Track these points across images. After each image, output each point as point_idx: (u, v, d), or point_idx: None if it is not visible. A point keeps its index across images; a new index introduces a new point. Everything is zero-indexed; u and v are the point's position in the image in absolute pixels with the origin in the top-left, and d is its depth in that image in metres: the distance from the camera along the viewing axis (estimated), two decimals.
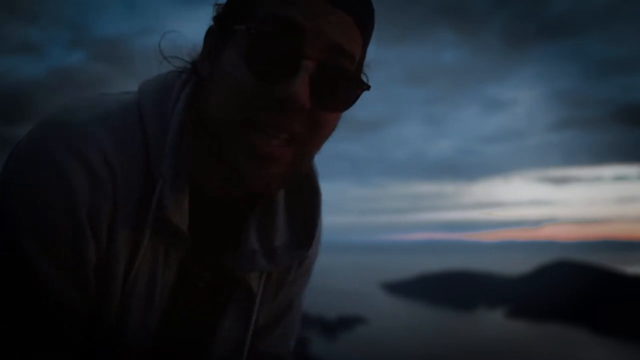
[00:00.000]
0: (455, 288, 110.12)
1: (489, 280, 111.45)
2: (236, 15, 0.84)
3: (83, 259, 0.82)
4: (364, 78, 0.90)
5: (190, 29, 1.03)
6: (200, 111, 0.86)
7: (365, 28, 0.86)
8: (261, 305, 1.03)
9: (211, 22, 0.90)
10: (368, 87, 0.87)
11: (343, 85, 0.83)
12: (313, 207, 1.01)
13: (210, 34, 0.90)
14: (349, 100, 0.85)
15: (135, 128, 0.87)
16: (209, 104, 0.84)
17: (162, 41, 0.93)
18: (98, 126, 0.84)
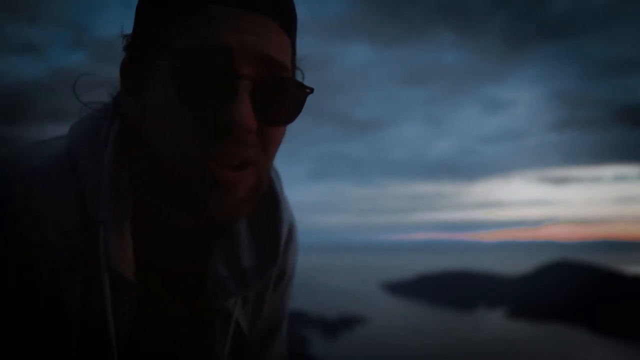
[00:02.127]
0: (455, 288, 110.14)
1: (489, 280, 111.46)
2: (153, 47, 0.79)
3: (19, 332, 0.78)
4: (298, 77, 0.86)
5: None
6: (138, 150, 0.82)
7: (290, 29, 0.82)
8: (242, 325, 0.99)
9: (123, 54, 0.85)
10: (311, 90, 0.83)
11: (285, 95, 0.80)
12: (275, 217, 0.97)
13: (126, 68, 0.85)
14: (295, 108, 0.82)
15: (68, 177, 0.83)
16: (147, 144, 0.80)
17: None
18: (29, 180, 0.80)
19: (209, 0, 0.76)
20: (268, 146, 0.81)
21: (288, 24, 0.81)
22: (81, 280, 0.80)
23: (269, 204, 0.97)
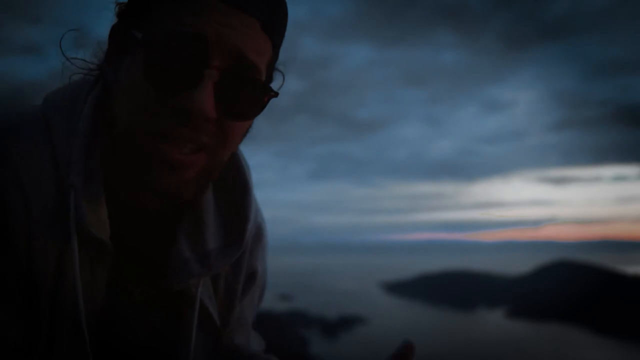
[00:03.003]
0: (455, 288, 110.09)
1: (489, 280, 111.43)
2: (135, 17, 0.81)
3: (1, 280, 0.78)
4: (277, 78, 0.88)
5: None
6: (107, 116, 0.83)
7: (274, 32, 0.83)
8: (209, 310, 0.98)
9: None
10: (276, 94, 0.85)
11: (249, 93, 0.81)
12: (243, 202, 0.98)
13: (114, 34, 0.86)
14: (256, 108, 0.83)
15: (41, 139, 0.82)
16: (113, 111, 0.82)
17: (64, 40, 0.89)
18: (1, 141, 0.80)
19: None
20: (226, 138, 0.82)
21: (272, 26, 0.82)
22: (54, 245, 0.80)
23: (237, 189, 0.99)
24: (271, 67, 0.87)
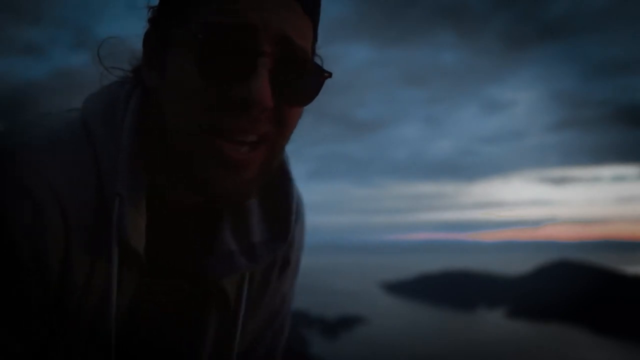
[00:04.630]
0: (455, 288, 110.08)
1: (489, 280, 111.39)
2: (175, 17, 0.80)
3: (25, 299, 0.78)
4: (318, 62, 0.87)
5: None
6: (154, 123, 0.82)
7: (314, 13, 0.83)
8: (247, 310, 0.98)
9: (147, 25, 0.86)
10: (330, 74, 0.84)
11: (304, 77, 0.80)
12: (286, 193, 0.97)
13: (148, 39, 0.86)
14: (313, 91, 0.82)
15: (82, 148, 0.82)
16: (163, 115, 0.80)
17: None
18: (40, 151, 0.78)
19: None
20: (284, 125, 0.81)
21: (312, 8, 0.82)
22: (90, 253, 0.80)
23: (281, 181, 0.98)
24: (313, 51, 0.86)
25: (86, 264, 0.81)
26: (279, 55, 0.77)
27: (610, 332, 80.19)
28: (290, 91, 0.79)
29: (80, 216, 0.79)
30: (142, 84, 0.86)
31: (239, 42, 0.75)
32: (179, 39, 0.78)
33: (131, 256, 0.83)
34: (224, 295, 0.94)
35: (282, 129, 0.81)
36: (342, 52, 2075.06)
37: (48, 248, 0.78)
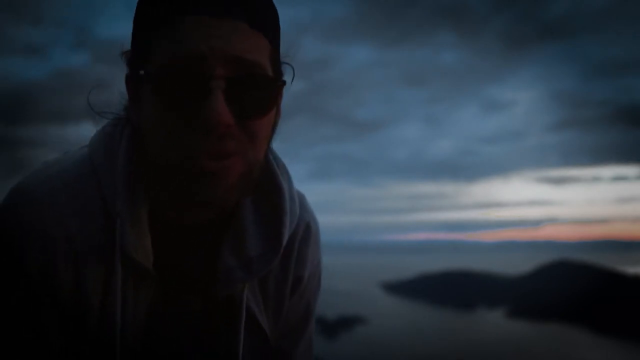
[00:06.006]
0: (455, 288, 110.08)
1: (489, 280, 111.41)
2: (140, 59, 0.87)
3: (42, 329, 0.86)
4: (284, 69, 0.92)
5: None
6: (143, 154, 0.89)
7: (265, 28, 0.86)
8: (256, 315, 1.02)
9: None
10: (283, 83, 0.90)
11: (257, 90, 0.84)
12: (278, 206, 1.01)
13: (128, 80, 0.93)
14: (269, 101, 0.87)
15: (89, 179, 0.91)
16: (145, 147, 0.88)
17: (90, 96, 0.98)
18: (48, 186, 0.89)
19: (180, 12, 0.82)
20: (251, 138, 0.85)
21: (260, 23, 0.85)
22: (100, 271, 0.88)
23: (272, 196, 1.01)
24: (276, 62, 0.90)
25: (98, 286, 0.88)
26: (232, 74, 0.81)
27: (610, 332, 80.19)
28: (246, 106, 0.83)
29: (87, 240, 0.87)
30: (131, 121, 0.94)
31: (190, 70, 0.80)
32: (145, 77, 0.84)
33: (140, 272, 0.89)
34: (229, 309, 0.99)
35: (252, 140, 0.85)
36: (342, 52, 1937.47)
37: (59, 273, 0.86)
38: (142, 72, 0.85)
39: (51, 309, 0.86)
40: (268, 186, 1.01)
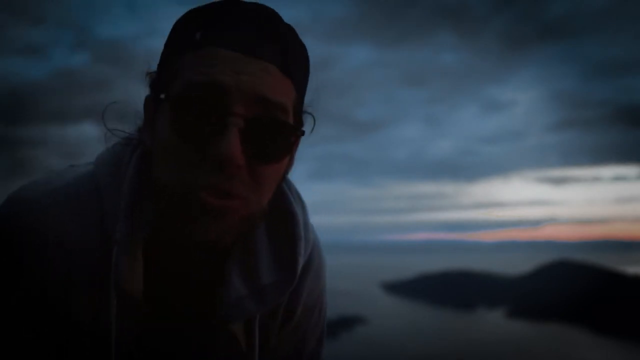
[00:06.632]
0: (455, 288, 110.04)
1: (489, 280, 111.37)
2: (163, 83, 0.85)
3: (31, 334, 0.84)
4: (305, 121, 0.90)
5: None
6: (150, 177, 0.87)
7: (294, 73, 0.85)
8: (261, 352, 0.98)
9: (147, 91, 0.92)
10: (302, 133, 0.87)
11: (275, 135, 0.82)
12: (292, 235, 0.97)
13: (147, 103, 0.92)
14: (285, 149, 0.85)
15: (90, 198, 0.89)
16: (154, 171, 0.86)
17: (107, 111, 0.96)
18: (51, 199, 0.87)
19: (211, 43, 0.80)
20: (259, 183, 0.83)
21: (289, 66, 0.84)
22: (92, 297, 0.86)
23: (286, 223, 0.98)
24: (299, 110, 0.88)
25: (86, 305, 0.86)
26: (253, 115, 0.79)
27: (610, 332, 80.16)
28: (261, 148, 0.81)
29: (82, 258, 0.85)
30: (143, 144, 0.92)
31: (209, 101, 0.78)
32: (163, 101, 0.83)
33: (129, 300, 0.86)
34: (232, 338, 0.94)
35: (259, 186, 0.83)
36: (342, 52, 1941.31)
37: (52, 288, 0.84)
38: (162, 95, 0.83)
39: (42, 321, 0.84)
40: (281, 213, 0.98)
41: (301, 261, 0.97)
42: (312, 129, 0.91)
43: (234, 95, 0.78)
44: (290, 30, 0.86)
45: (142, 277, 0.86)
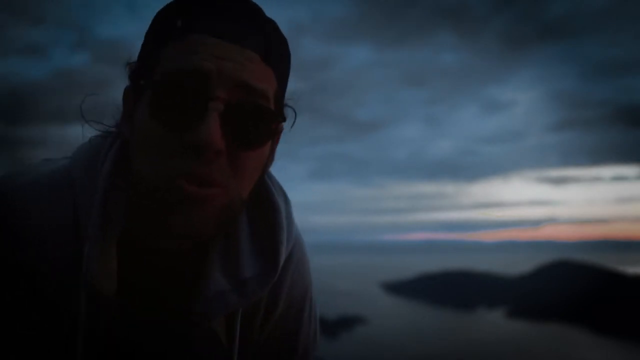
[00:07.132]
0: (455, 288, 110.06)
1: (489, 280, 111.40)
2: (143, 72, 0.84)
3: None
4: (287, 111, 0.89)
5: None
6: (128, 171, 0.85)
7: (276, 63, 0.84)
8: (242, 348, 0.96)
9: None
10: (284, 120, 0.87)
11: (257, 120, 0.81)
12: (274, 225, 0.96)
13: (126, 94, 0.90)
14: (266, 135, 0.84)
15: (63, 192, 0.87)
16: (134, 163, 0.83)
17: (84, 104, 0.93)
18: (22, 192, 0.86)
19: (193, 30, 0.79)
20: (239, 170, 0.82)
21: (272, 58, 0.83)
22: (61, 293, 0.84)
23: (268, 214, 0.97)
24: (279, 101, 0.87)
25: (55, 302, 0.84)
26: (234, 100, 0.78)
27: (610, 332, 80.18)
28: (241, 135, 0.80)
29: (53, 253, 0.84)
30: (122, 136, 0.90)
31: (190, 87, 0.77)
32: (143, 89, 0.82)
33: (100, 297, 0.84)
34: (212, 333, 0.93)
35: (238, 174, 0.82)
36: (342, 52, 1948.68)
37: (22, 281, 0.83)
38: (142, 81, 0.82)
39: (9, 314, 0.83)
40: (263, 204, 0.97)
41: (283, 251, 0.95)
42: (293, 123, 0.91)
43: (215, 80, 0.77)
44: (273, 24, 0.86)
45: (115, 273, 0.85)
